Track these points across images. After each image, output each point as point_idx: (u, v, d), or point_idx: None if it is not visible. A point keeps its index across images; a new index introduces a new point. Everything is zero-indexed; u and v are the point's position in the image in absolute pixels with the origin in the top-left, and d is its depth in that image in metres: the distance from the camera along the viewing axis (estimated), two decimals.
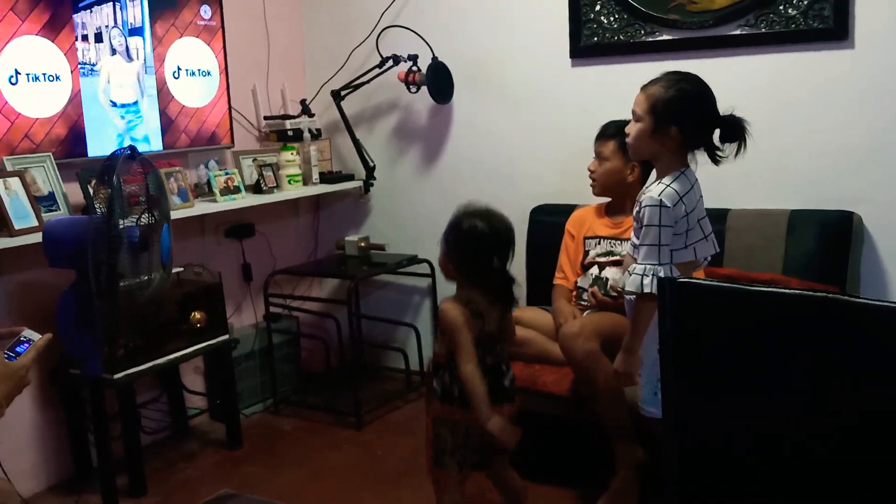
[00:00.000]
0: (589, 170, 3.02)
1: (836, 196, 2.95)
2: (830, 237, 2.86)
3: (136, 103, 3.22)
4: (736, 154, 2.22)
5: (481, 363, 2.23)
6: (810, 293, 1.41)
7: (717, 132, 2.23)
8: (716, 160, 2.24)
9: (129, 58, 3.18)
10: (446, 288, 3.82)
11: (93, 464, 3.02)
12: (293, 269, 3.89)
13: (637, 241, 2.22)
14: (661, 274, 2.15)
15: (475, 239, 2.25)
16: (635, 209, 2.26)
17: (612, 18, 3.29)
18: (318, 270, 3.98)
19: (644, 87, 2.27)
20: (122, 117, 3.17)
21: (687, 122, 2.19)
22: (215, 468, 3.20)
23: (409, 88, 3.66)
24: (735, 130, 2.21)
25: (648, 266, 2.17)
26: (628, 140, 2.29)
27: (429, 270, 3.82)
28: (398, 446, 3.30)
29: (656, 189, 2.20)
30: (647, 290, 2.14)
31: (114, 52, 3.12)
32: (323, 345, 4.01)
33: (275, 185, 3.63)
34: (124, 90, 3.18)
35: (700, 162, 2.26)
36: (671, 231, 2.18)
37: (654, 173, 2.33)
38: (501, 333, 2.32)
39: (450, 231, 2.30)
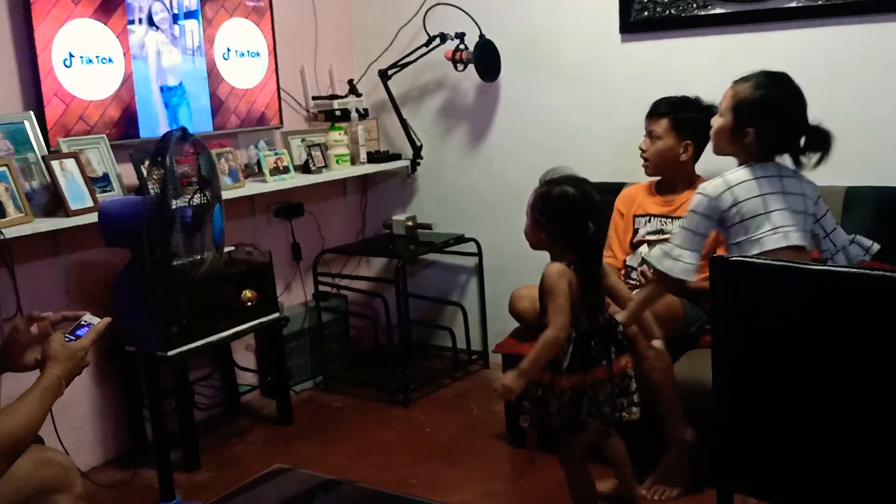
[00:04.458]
0: (640, 149, 2.99)
1: (893, 172, 2.88)
2: (888, 214, 2.79)
3: (180, 85, 3.25)
4: (816, 164, 2.25)
5: (574, 327, 2.22)
6: (867, 271, 1.38)
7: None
8: (798, 165, 2.28)
9: (175, 38, 3.22)
10: (493, 266, 3.83)
11: (148, 439, 3.10)
12: (341, 248, 3.92)
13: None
14: (676, 254, 2.26)
15: (569, 206, 2.23)
16: None
17: None
18: (366, 249, 4.01)
19: (735, 83, 2.30)
20: (166, 102, 3.21)
21: (765, 128, 2.21)
22: (267, 444, 3.25)
23: (456, 67, 3.65)
24: (819, 140, 2.22)
25: (670, 245, 2.27)
26: (711, 133, 2.33)
27: (475, 249, 3.82)
28: (446, 424, 3.32)
29: (712, 179, 2.28)
30: (652, 262, 2.27)
31: (156, 27, 3.15)
32: (371, 323, 4.05)
33: (323, 164, 3.65)
34: (171, 74, 3.22)
35: None
36: (704, 221, 2.26)
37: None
38: (595, 297, 2.31)
39: (540, 201, 2.28)
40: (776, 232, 2.23)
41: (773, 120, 2.20)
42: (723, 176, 2.25)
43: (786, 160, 2.31)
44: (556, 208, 2.24)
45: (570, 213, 2.23)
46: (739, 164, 2.29)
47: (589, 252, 2.26)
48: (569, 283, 2.20)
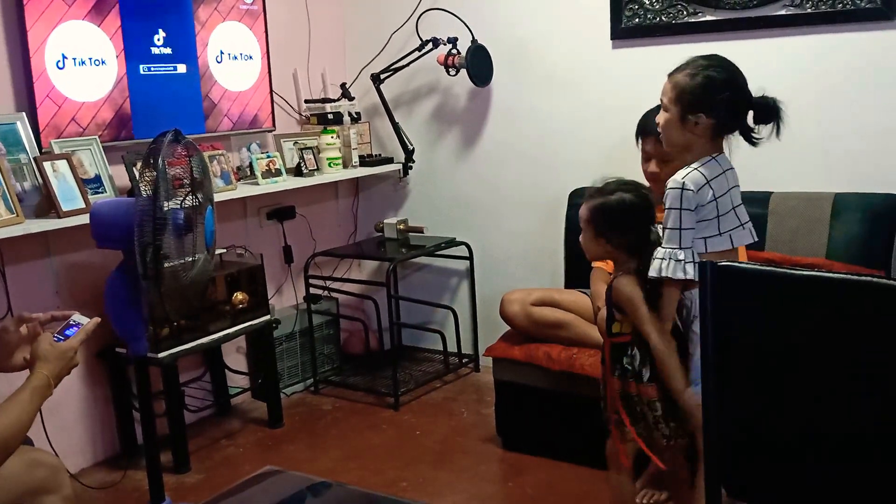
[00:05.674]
0: (651, 173, 2.83)
1: (882, 179, 2.90)
2: (876, 221, 2.81)
3: None
4: (776, 134, 2.19)
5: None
6: (855, 277, 1.39)
7: (750, 114, 2.21)
8: (752, 142, 2.22)
9: None
10: (484, 270, 3.84)
11: (138, 440, 3.10)
12: (333, 251, 3.92)
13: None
14: (681, 257, 2.15)
15: (631, 211, 2.22)
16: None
17: None
18: (358, 252, 4.01)
19: (670, 75, 2.23)
20: None
21: (714, 109, 2.15)
22: (257, 446, 3.25)
23: (448, 71, 3.66)
24: (768, 112, 2.18)
25: (668, 250, 2.15)
26: (659, 129, 2.28)
27: (467, 253, 3.83)
28: (436, 427, 3.32)
29: (682, 172, 2.19)
30: (664, 274, 2.13)
31: None
32: (362, 326, 4.05)
33: (315, 168, 3.66)
34: None
35: (743, 146, 2.25)
36: (692, 215, 2.16)
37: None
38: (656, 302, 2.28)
39: (598, 212, 2.25)
40: (744, 228, 2.23)
41: (720, 100, 2.15)
42: (695, 169, 2.18)
43: (732, 141, 2.26)
44: (618, 217, 2.23)
45: (632, 219, 2.23)
46: (695, 153, 2.21)
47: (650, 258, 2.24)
48: (642, 292, 2.20)
